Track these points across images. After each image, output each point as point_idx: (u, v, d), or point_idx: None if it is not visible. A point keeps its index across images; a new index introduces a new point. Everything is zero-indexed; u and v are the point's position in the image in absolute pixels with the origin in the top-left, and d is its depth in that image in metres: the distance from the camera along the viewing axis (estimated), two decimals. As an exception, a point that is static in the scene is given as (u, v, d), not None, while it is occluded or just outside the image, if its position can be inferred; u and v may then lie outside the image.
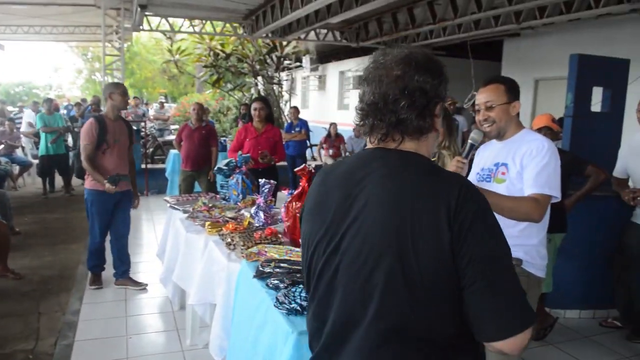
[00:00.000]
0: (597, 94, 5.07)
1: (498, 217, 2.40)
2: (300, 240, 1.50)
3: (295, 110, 10.59)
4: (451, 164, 2.49)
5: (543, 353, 3.92)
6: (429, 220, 1.19)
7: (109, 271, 5.19)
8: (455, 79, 11.34)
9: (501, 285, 1.20)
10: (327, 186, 1.38)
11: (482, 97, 2.57)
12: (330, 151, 11.18)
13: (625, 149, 4.15)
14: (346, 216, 1.29)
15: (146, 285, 5.00)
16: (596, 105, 5.11)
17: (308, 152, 12.53)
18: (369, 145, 1.38)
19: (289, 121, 10.80)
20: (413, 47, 1.39)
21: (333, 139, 11.30)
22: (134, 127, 6.59)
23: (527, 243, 2.46)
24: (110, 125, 4.71)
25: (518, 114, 2.59)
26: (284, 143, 10.43)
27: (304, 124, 10.27)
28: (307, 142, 10.97)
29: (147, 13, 10.94)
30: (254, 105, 5.61)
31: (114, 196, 4.72)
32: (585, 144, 4.76)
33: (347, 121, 14.66)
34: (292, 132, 10.16)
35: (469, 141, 2.46)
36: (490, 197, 2.36)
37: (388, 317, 1.23)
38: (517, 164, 2.44)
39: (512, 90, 2.54)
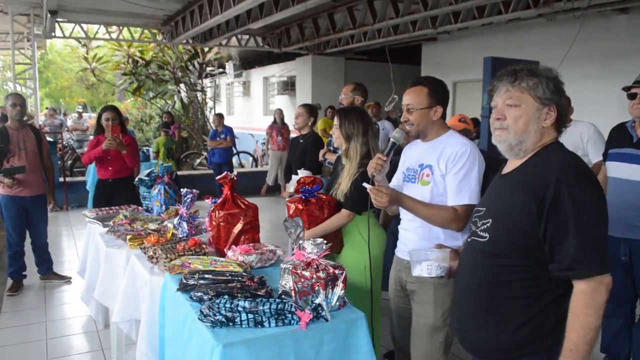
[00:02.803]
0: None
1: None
2: None
3: (219, 117, 10.42)
4: (371, 161, 2.50)
5: None
6: None
7: (26, 292, 5.11)
8: (377, 83, 11.65)
9: None
10: None
11: (405, 98, 2.55)
12: (279, 139, 10.53)
13: None
14: None
15: (70, 278, 5.40)
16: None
17: (235, 159, 12.43)
18: None
19: (213, 128, 10.63)
20: None
21: (280, 125, 10.72)
22: (50, 139, 6.30)
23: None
24: (13, 134, 4.98)
25: (444, 116, 2.57)
26: (209, 150, 10.31)
27: (229, 130, 10.14)
28: (234, 149, 10.84)
29: (58, 19, 10.49)
30: (105, 115, 5.22)
31: (25, 200, 5.03)
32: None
33: (273, 127, 14.68)
34: (217, 139, 10.02)
35: (391, 139, 2.49)
36: (406, 202, 2.42)
37: None
38: (441, 167, 2.44)
39: (435, 94, 2.51)
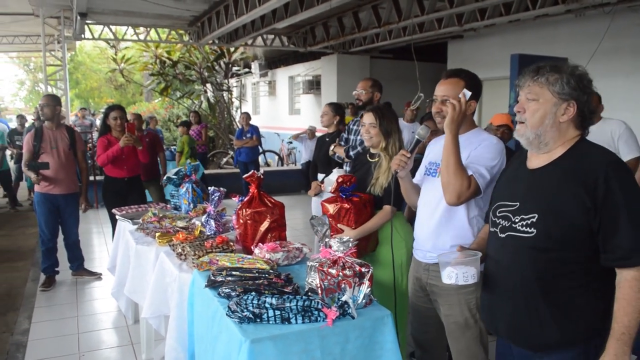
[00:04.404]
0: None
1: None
2: None
3: (247, 116, 10.50)
4: (395, 157, 2.51)
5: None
6: None
7: (59, 288, 5.23)
8: (402, 81, 11.57)
9: None
10: None
11: (440, 89, 2.47)
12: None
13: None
14: None
15: (100, 274, 5.55)
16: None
17: (261, 158, 12.50)
18: None
19: (239, 127, 10.71)
20: None
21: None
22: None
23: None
24: (47, 133, 5.18)
25: (473, 113, 2.51)
26: (236, 149, 10.39)
27: (255, 130, 10.20)
28: (260, 148, 10.90)
29: (88, 21, 10.70)
30: (113, 114, 5.35)
31: (56, 198, 5.19)
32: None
33: (298, 126, 14.73)
34: (243, 138, 10.09)
35: (416, 136, 2.48)
36: (455, 141, 2.31)
37: None
38: (464, 160, 2.38)
39: (472, 88, 2.41)
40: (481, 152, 2.41)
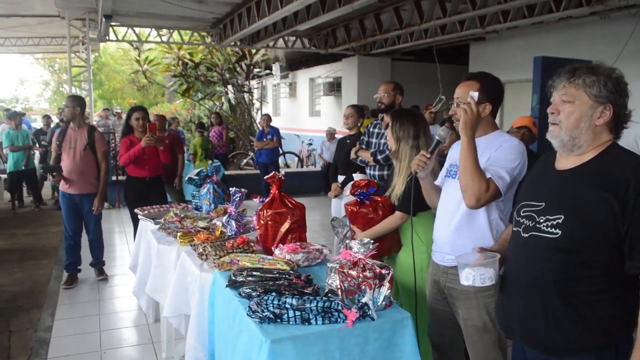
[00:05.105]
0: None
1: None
2: None
3: (267, 117, 10.54)
4: (415, 157, 2.52)
5: None
6: None
7: (81, 286, 5.31)
8: (424, 84, 11.51)
9: None
10: None
11: (457, 92, 2.49)
12: None
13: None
14: None
15: (107, 276, 5.58)
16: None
17: (281, 159, 12.53)
18: None
19: (260, 129, 10.75)
20: None
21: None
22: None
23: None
24: (69, 133, 5.27)
25: (493, 115, 2.50)
26: (256, 151, 10.43)
27: (275, 131, 10.24)
28: (280, 149, 10.95)
29: (112, 23, 10.84)
30: (135, 115, 5.45)
31: (73, 197, 5.26)
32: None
33: (318, 127, 14.75)
34: (264, 140, 10.13)
35: (436, 137, 2.49)
36: (472, 144, 2.31)
37: None
38: (483, 162, 2.38)
39: (486, 91, 2.42)
40: (501, 153, 2.39)
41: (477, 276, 2.01)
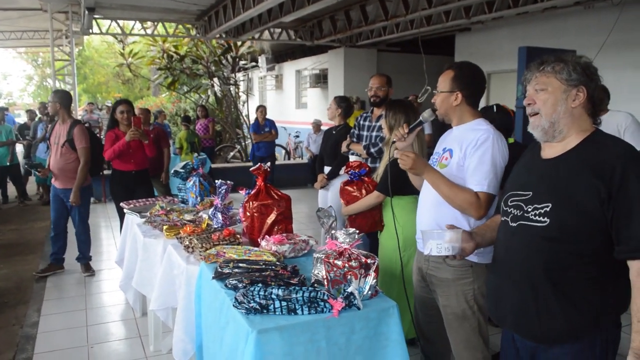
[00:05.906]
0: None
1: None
2: None
3: (263, 109, 10.27)
4: (394, 132, 2.65)
5: None
6: None
7: (68, 281, 5.31)
8: (410, 74, 11.53)
9: None
10: None
11: (438, 81, 2.56)
12: None
13: None
14: None
15: (93, 271, 5.55)
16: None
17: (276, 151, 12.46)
18: None
19: (250, 122, 10.56)
20: None
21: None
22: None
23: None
24: (56, 128, 5.35)
25: (471, 103, 2.51)
26: (254, 144, 10.30)
27: (271, 123, 10.02)
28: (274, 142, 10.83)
29: (95, 16, 10.72)
30: (120, 108, 5.36)
31: (57, 190, 5.34)
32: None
33: (305, 120, 14.72)
34: (262, 132, 9.99)
35: (420, 117, 2.53)
36: (429, 174, 2.42)
37: None
38: (460, 152, 2.44)
39: (460, 80, 2.46)
40: (477, 161, 2.40)
41: (433, 246, 2.06)
